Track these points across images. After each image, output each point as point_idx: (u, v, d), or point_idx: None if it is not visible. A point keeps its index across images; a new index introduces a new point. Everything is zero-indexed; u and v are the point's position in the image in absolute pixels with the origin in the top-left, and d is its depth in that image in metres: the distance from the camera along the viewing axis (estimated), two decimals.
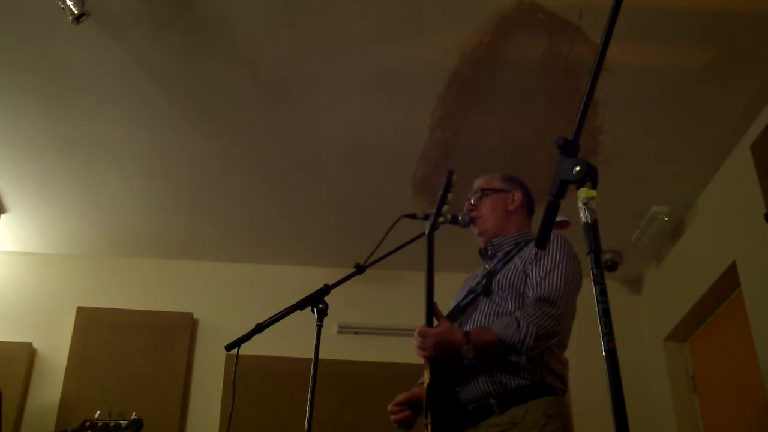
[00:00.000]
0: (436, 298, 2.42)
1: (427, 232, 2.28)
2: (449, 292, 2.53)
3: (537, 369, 2.18)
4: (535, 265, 2.28)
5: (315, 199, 4.28)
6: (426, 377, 2.15)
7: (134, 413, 3.11)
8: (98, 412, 3.15)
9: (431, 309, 2.18)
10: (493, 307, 2.30)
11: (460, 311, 2.40)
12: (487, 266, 2.51)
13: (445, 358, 2.14)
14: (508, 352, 2.13)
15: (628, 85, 3.29)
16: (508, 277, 2.32)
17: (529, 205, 2.61)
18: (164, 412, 4.39)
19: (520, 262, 2.34)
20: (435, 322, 2.20)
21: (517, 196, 2.57)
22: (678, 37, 3.09)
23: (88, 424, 3.10)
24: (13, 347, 4.41)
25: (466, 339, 2.10)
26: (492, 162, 3.71)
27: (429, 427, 2.07)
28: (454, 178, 2.30)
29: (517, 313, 2.16)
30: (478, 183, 2.63)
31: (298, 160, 3.96)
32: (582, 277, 2.32)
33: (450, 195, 2.30)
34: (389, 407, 2.37)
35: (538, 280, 2.24)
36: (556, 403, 2.17)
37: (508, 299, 2.28)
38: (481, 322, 2.29)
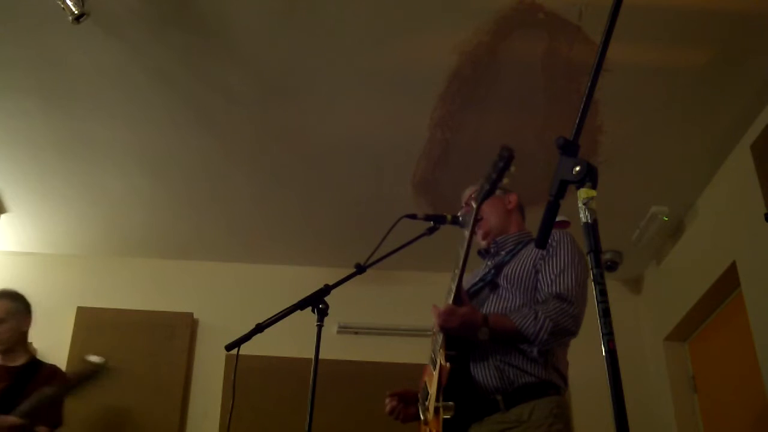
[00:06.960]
0: (435, 299, 2.41)
1: (475, 206, 2.24)
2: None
3: (544, 367, 2.22)
4: (547, 261, 2.31)
5: (315, 199, 4.27)
6: (441, 358, 2.16)
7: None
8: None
9: (460, 289, 2.21)
10: (500, 302, 2.32)
11: (470, 298, 2.41)
12: (489, 263, 2.52)
13: (462, 349, 2.18)
14: (521, 342, 2.18)
15: (628, 85, 3.29)
16: (518, 270, 2.35)
17: (521, 207, 2.67)
18: (164, 412, 4.39)
19: (529, 259, 2.36)
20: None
21: (513, 197, 2.63)
22: (678, 37, 3.09)
23: None
24: None
25: (485, 321, 2.16)
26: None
27: (441, 409, 2.08)
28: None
29: (537, 307, 2.20)
30: (472, 189, 2.63)
31: (298, 160, 3.96)
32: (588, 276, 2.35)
33: (512, 168, 2.13)
34: (387, 396, 2.43)
35: (552, 277, 2.28)
36: (561, 403, 2.21)
37: (516, 293, 2.31)
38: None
